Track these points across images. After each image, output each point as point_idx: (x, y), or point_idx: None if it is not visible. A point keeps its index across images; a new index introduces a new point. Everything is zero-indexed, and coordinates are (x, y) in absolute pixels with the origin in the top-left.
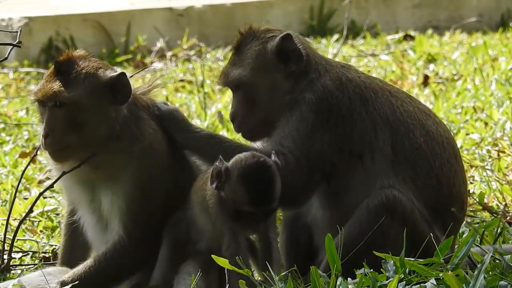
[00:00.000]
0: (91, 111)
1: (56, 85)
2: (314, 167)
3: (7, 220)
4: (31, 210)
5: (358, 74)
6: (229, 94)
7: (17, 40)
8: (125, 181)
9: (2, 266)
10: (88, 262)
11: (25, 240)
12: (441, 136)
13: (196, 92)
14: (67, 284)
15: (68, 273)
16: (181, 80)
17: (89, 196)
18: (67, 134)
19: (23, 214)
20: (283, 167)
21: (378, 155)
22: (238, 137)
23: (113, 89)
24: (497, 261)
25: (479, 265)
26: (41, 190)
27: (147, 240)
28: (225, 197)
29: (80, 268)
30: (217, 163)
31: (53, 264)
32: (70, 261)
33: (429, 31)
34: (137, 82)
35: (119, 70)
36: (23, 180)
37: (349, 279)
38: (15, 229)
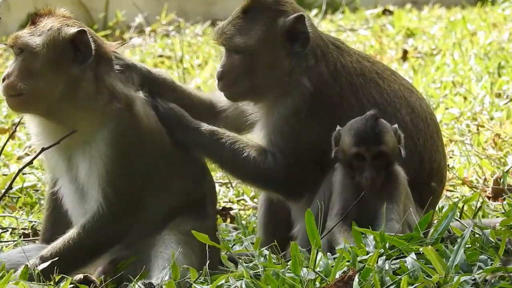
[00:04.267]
0: (46, 63)
1: (22, 33)
2: (304, 159)
3: None
4: (10, 187)
5: (351, 58)
6: (208, 69)
7: None
8: (102, 142)
9: None
10: (67, 235)
11: (4, 216)
12: (424, 112)
13: (175, 67)
14: (46, 260)
15: (47, 248)
16: (160, 56)
17: (67, 164)
18: (21, 81)
19: (2, 191)
20: (274, 165)
21: None
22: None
23: (74, 47)
24: (476, 235)
25: (459, 240)
26: (21, 166)
27: (127, 209)
28: (340, 153)
29: (59, 242)
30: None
31: (33, 241)
32: (51, 237)
33: (408, 6)
34: None
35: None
36: (2, 156)
37: (329, 254)
38: None
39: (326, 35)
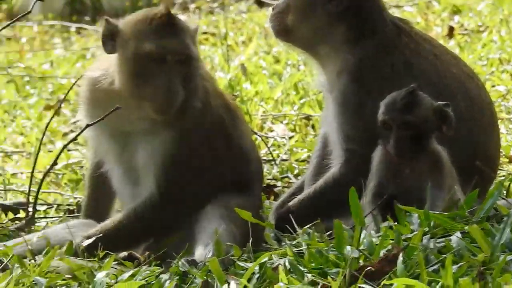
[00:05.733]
0: None
1: None
2: (372, 142)
3: (32, 172)
4: (55, 163)
5: (408, 38)
6: (252, 46)
7: None
8: (168, 138)
9: (27, 218)
10: (117, 217)
11: (50, 192)
12: (482, 101)
13: (219, 44)
14: (91, 238)
15: (96, 227)
16: (204, 33)
17: (120, 148)
18: None
19: (48, 167)
20: (357, 162)
21: None
22: None
23: None
24: None
25: (505, 218)
26: (65, 142)
27: (180, 200)
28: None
29: (108, 222)
30: None
31: (78, 217)
32: (94, 214)
33: None
34: None
35: None
36: (47, 133)
37: (372, 232)
38: (39, 181)
39: (392, 16)
